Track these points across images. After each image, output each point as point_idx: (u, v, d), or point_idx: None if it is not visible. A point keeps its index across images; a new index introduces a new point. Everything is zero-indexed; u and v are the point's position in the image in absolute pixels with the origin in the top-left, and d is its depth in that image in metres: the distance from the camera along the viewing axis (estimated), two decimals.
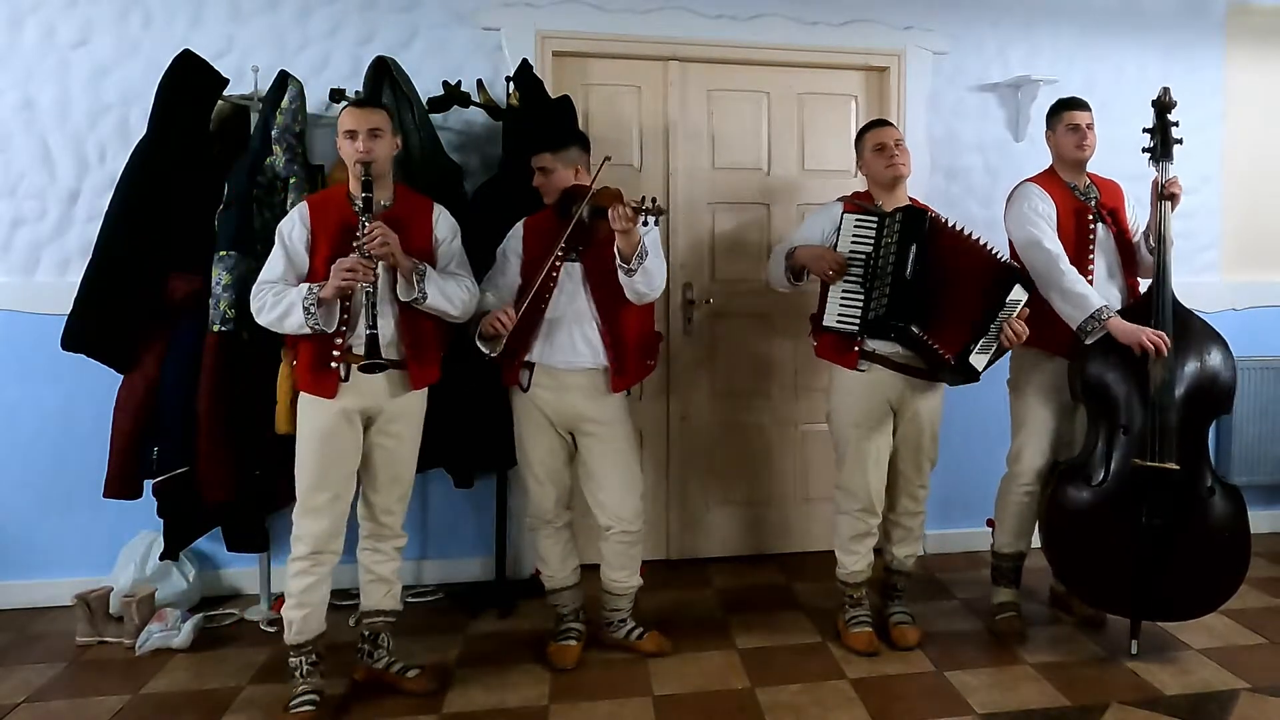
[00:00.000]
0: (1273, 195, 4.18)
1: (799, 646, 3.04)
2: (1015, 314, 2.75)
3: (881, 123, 3.09)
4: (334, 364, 2.51)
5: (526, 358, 2.81)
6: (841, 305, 2.87)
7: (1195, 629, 3.08)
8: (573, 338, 2.79)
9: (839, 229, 2.92)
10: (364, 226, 2.47)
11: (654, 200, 2.61)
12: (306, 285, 2.49)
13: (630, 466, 2.91)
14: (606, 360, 2.81)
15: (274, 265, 2.55)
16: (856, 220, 2.90)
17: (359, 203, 2.52)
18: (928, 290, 2.75)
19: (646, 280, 2.71)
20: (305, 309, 2.44)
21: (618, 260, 2.67)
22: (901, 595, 3.16)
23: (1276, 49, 4.16)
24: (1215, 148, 4.09)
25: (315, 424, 2.55)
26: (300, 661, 2.59)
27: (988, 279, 2.75)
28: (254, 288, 2.55)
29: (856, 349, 2.89)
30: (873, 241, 2.84)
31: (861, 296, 2.83)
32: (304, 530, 2.56)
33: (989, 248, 2.80)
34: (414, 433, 2.72)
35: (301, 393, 2.58)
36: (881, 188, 2.99)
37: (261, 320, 2.53)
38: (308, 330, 2.47)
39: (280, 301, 2.48)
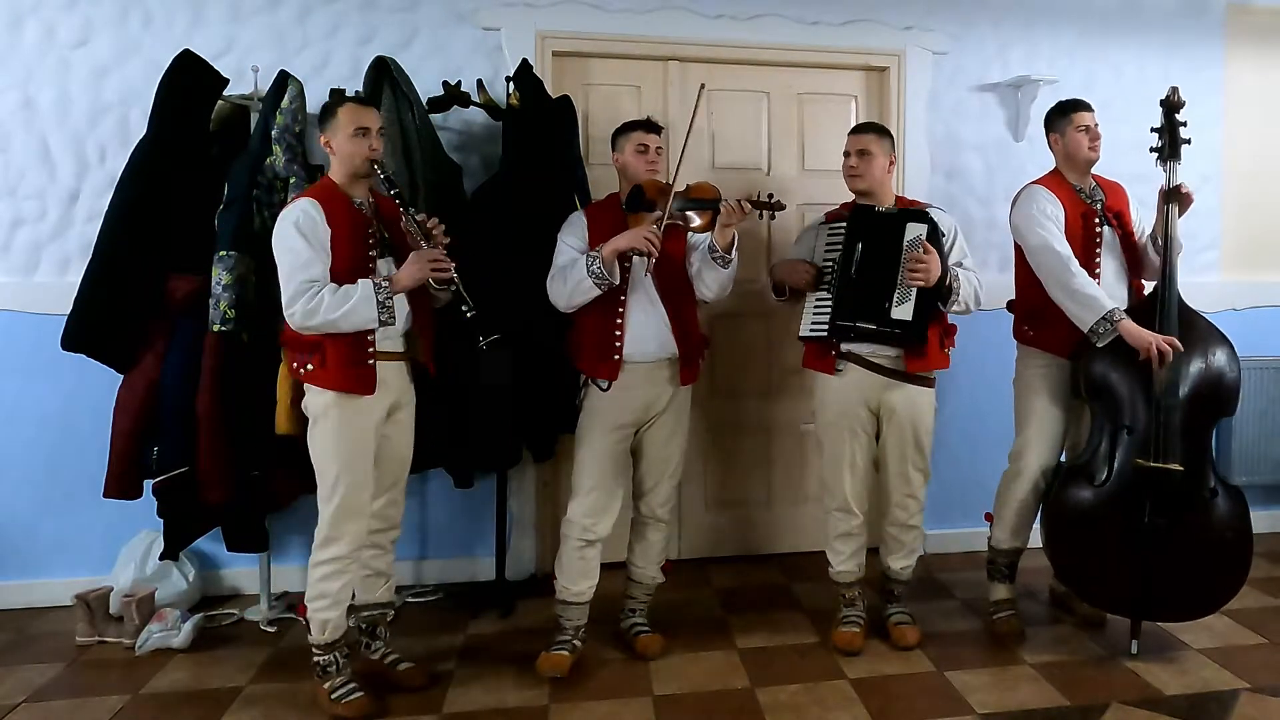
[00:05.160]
0: (1273, 195, 4.18)
1: (799, 646, 3.04)
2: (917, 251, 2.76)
3: (859, 128, 3.07)
4: (370, 361, 2.52)
5: (618, 351, 2.78)
6: (814, 314, 2.92)
7: (1195, 629, 3.08)
8: (648, 328, 2.80)
9: (816, 241, 3.00)
10: (412, 217, 2.52)
11: (770, 195, 2.66)
12: (369, 281, 2.46)
13: (681, 461, 2.97)
14: (676, 349, 2.83)
15: (311, 264, 2.42)
16: (829, 229, 2.96)
17: (392, 198, 2.55)
18: (871, 281, 2.79)
19: (731, 275, 2.80)
20: (381, 304, 2.44)
21: (715, 252, 2.75)
22: (900, 598, 3.16)
23: (1276, 49, 4.16)
24: (1215, 148, 4.08)
25: (354, 423, 2.51)
26: (334, 657, 2.60)
27: (894, 237, 2.78)
28: (294, 289, 2.40)
29: (833, 353, 2.92)
30: (840, 247, 2.88)
31: (830, 302, 2.87)
32: (344, 531, 2.53)
33: (902, 213, 2.84)
34: (413, 419, 2.74)
35: (327, 392, 2.49)
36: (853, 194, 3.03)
37: (315, 320, 2.40)
38: (374, 326, 2.47)
39: (346, 299, 2.41)
